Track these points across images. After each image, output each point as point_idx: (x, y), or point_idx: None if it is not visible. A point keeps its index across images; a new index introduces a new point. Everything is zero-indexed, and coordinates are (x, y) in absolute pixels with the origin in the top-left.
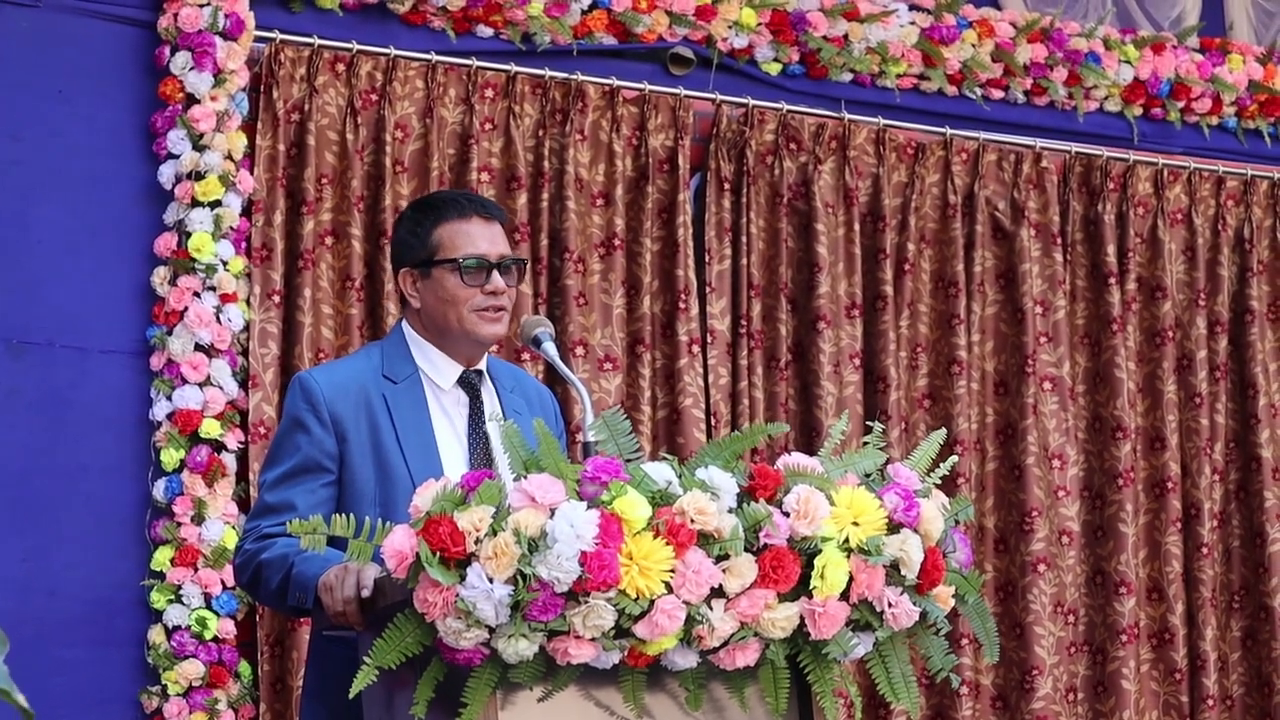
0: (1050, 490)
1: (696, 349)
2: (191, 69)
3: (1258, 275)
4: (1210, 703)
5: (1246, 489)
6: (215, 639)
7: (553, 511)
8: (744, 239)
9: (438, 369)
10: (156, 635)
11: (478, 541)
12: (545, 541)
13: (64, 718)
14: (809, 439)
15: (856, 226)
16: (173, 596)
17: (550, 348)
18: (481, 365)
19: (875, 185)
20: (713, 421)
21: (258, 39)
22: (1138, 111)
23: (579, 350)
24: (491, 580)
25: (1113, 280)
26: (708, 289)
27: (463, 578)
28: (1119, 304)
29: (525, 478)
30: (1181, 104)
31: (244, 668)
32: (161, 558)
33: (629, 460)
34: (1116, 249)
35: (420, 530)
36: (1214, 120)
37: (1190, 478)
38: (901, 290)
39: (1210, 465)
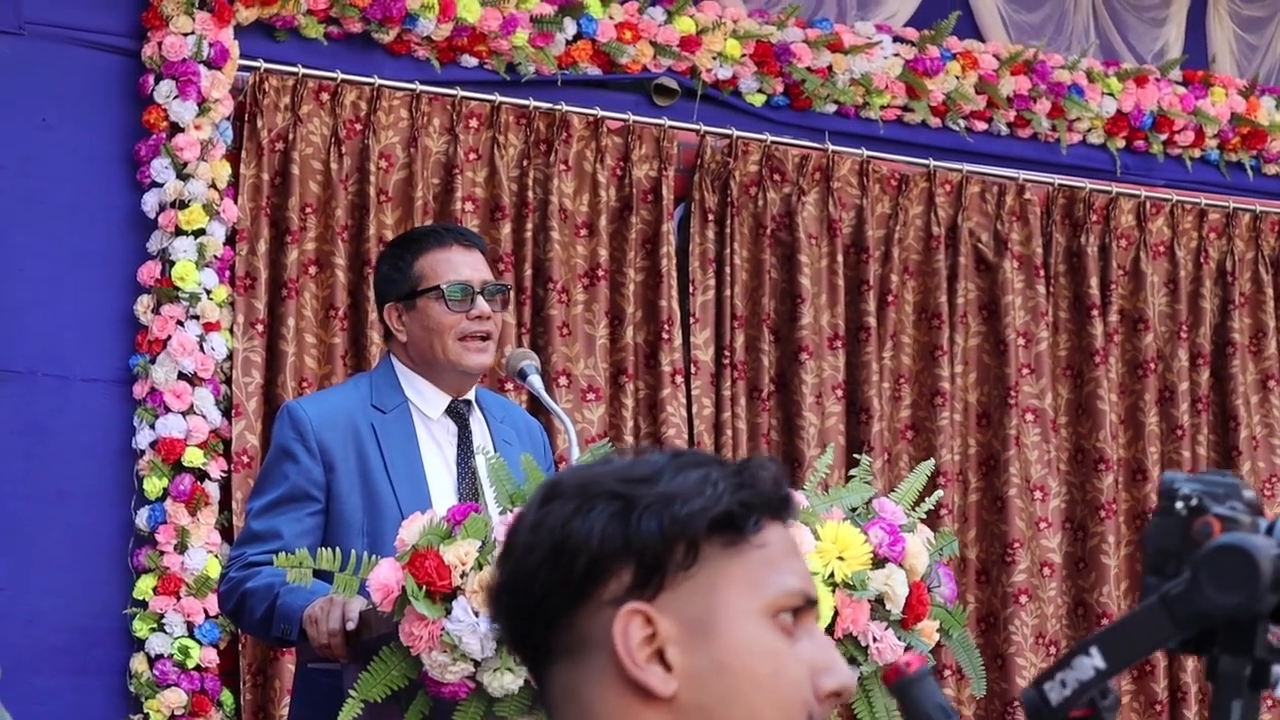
0: (1032, 522)
1: (679, 379)
2: (175, 97)
3: (1239, 308)
4: None
5: None
6: (198, 668)
7: None
8: (727, 270)
9: (426, 399)
10: (139, 664)
11: (464, 575)
12: None
13: None
14: (791, 470)
15: (840, 258)
16: (155, 625)
17: (536, 380)
18: (470, 395)
19: (859, 216)
20: None
21: (242, 68)
22: (1120, 144)
23: (562, 380)
24: (477, 614)
25: (1095, 312)
26: (691, 319)
27: (448, 611)
28: (1101, 336)
29: (511, 510)
30: (1164, 136)
31: (226, 697)
32: (144, 586)
33: None
34: (1099, 281)
35: (406, 564)
36: (1196, 153)
37: None
38: (884, 321)
39: None
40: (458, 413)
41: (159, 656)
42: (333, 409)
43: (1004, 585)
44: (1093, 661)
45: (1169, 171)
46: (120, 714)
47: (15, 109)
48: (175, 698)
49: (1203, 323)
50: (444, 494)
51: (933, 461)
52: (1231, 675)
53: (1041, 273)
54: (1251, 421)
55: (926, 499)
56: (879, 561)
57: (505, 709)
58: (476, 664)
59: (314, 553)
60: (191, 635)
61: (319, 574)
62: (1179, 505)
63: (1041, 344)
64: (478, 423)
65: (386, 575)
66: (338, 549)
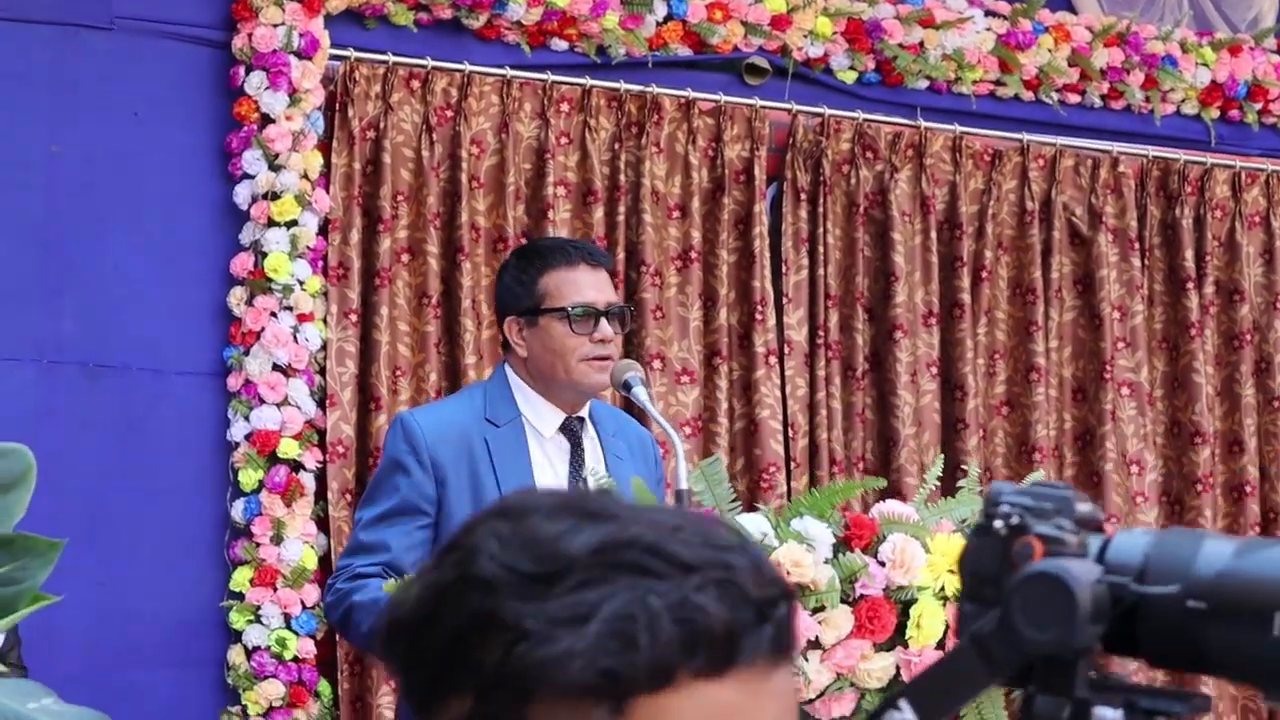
0: (1129, 496)
1: (773, 360)
2: (266, 89)
3: None
4: None
5: None
6: (295, 659)
7: None
8: (820, 249)
9: (540, 415)
10: (236, 656)
11: None
12: None
13: None
14: (886, 449)
15: (933, 234)
16: (252, 617)
17: (640, 392)
18: (584, 412)
19: (952, 193)
20: (790, 433)
21: (332, 57)
22: (1215, 114)
23: (656, 364)
24: None
25: (1190, 284)
26: (784, 300)
27: None
28: (1197, 308)
29: None
30: (1259, 105)
31: (324, 687)
32: (240, 578)
33: (726, 510)
34: (1194, 253)
35: None
36: None
37: (1269, 481)
38: (979, 298)
39: None
40: (571, 430)
41: (256, 648)
42: (446, 422)
43: None
44: (903, 716)
45: (1264, 141)
46: (218, 706)
47: (106, 103)
48: (273, 689)
49: None
50: None
51: (1041, 474)
52: (1048, 717)
53: (1136, 246)
54: None
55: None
56: None
57: None
58: None
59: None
60: (288, 626)
61: None
62: (998, 524)
63: (1137, 317)
64: (590, 440)
65: None
66: None
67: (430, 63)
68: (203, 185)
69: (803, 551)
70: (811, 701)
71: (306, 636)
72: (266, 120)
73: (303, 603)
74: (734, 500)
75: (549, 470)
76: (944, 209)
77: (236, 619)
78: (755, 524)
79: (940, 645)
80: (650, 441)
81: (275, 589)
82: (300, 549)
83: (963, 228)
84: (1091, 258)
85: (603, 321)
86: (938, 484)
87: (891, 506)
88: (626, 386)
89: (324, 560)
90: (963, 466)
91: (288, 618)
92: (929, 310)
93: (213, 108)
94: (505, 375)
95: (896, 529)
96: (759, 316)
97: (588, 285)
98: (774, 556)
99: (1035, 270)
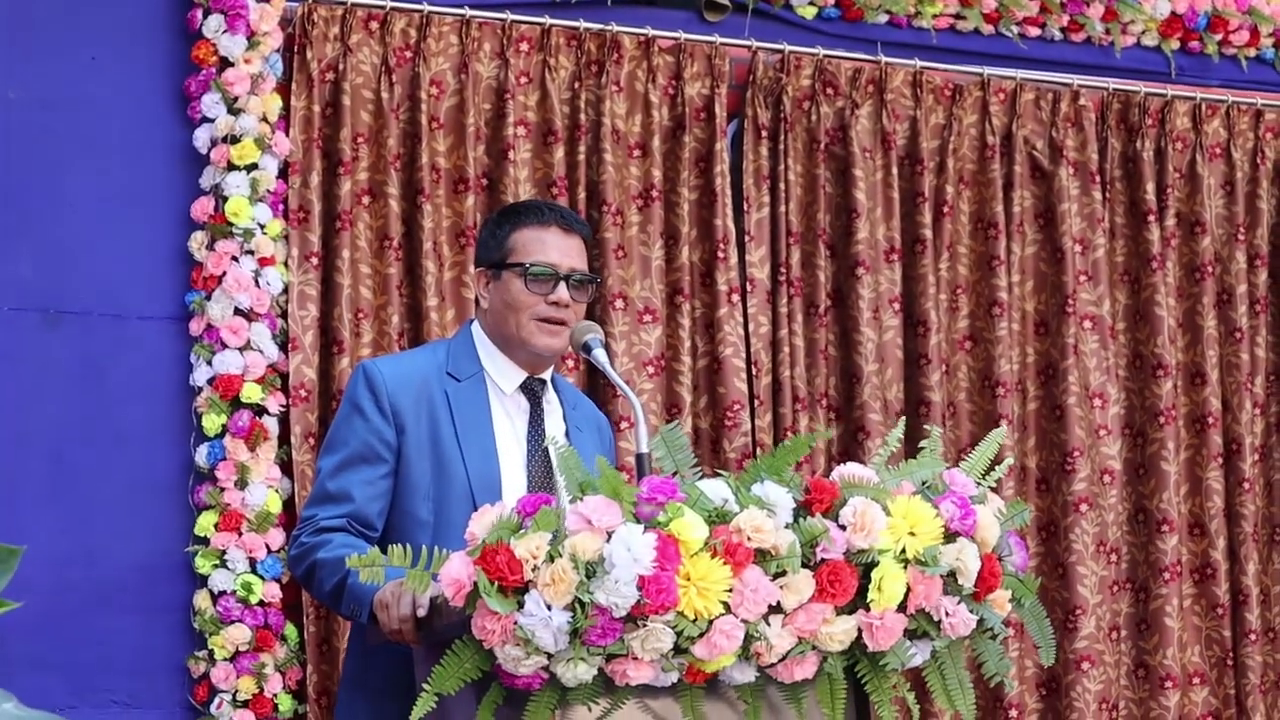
0: (1091, 429)
1: (736, 298)
2: (224, 32)
3: None
4: (1252, 637)
5: None
6: (261, 603)
7: (609, 535)
8: (782, 186)
9: (501, 372)
10: (202, 601)
11: (535, 569)
12: (603, 567)
13: (111, 686)
14: (849, 386)
15: (894, 170)
16: (217, 562)
17: (600, 355)
18: (545, 375)
19: (913, 128)
20: (753, 371)
21: None
22: (1175, 45)
23: (618, 303)
24: (550, 607)
25: (1151, 217)
26: (746, 237)
27: (521, 605)
28: (1158, 241)
29: (581, 499)
30: (1219, 36)
31: (290, 631)
32: (205, 523)
33: (688, 476)
34: (1155, 185)
35: (477, 559)
36: (1251, 52)
37: (1231, 413)
38: (940, 233)
39: (1251, 399)
40: (531, 390)
41: (222, 593)
42: (407, 372)
43: (1064, 494)
44: None
45: (1224, 72)
46: (185, 651)
47: (64, 48)
48: (239, 634)
49: (1260, 224)
50: (513, 468)
51: (1004, 429)
52: None
53: (1097, 179)
54: None
55: (997, 467)
56: (950, 536)
57: (578, 697)
58: (549, 655)
59: (383, 517)
60: (254, 571)
61: (388, 533)
62: None
63: (1098, 250)
64: (551, 404)
65: (458, 570)
66: (408, 545)
67: (389, 3)
68: (162, 129)
69: (763, 517)
70: (774, 665)
71: (272, 581)
72: (225, 63)
73: (268, 547)
74: (695, 466)
75: (509, 426)
76: (905, 144)
77: (202, 564)
78: (716, 490)
79: (901, 607)
80: (606, 425)
81: (240, 533)
82: (264, 493)
83: (924, 163)
84: (1053, 191)
85: (561, 285)
86: (899, 444)
87: (852, 469)
88: (587, 349)
89: (288, 504)
90: (925, 427)
91: (253, 562)
92: (891, 246)
93: (170, 51)
94: (470, 331)
95: (857, 492)
96: (721, 254)
97: (553, 247)
98: (735, 523)
99: (996, 205)
